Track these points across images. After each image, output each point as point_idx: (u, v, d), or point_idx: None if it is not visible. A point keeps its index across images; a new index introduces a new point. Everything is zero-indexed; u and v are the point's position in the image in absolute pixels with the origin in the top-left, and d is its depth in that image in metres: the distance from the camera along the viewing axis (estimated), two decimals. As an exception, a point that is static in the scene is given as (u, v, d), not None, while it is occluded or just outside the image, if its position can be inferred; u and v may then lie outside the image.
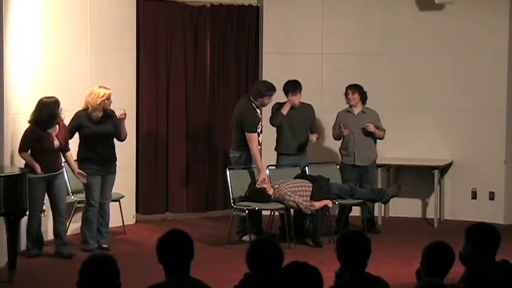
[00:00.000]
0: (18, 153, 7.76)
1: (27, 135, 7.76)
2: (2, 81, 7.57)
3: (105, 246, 8.26)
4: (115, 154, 8.30)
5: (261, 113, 8.93)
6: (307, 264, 3.81)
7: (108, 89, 8.14)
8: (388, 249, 8.28)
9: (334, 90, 9.71)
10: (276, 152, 9.22)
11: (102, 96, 8.07)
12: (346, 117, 9.33)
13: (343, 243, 4.32)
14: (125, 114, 8.19)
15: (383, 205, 9.74)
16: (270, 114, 9.09)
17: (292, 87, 8.99)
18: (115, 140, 8.32)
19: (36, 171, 7.60)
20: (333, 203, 8.76)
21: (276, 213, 8.81)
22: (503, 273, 4.42)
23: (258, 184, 8.69)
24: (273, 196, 8.61)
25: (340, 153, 9.44)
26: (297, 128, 9.05)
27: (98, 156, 8.14)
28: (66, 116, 8.06)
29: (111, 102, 8.15)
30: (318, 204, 8.57)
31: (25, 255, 7.82)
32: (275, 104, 9.03)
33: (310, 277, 3.76)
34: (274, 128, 9.16)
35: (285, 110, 8.97)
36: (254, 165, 8.81)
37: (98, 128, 8.12)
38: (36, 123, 7.75)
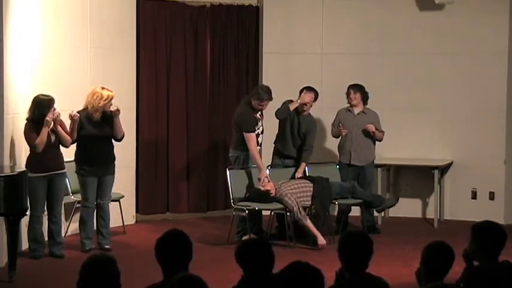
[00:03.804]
0: (32, 147, 7.71)
1: (27, 131, 7.76)
2: (2, 81, 7.56)
3: (107, 247, 8.23)
4: (113, 155, 8.25)
5: (261, 114, 8.92)
6: (309, 264, 3.81)
7: (111, 91, 8.09)
8: (388, 249, 8.26)
9: (334, 90, 9.70)
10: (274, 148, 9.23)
11: (105, 99, 8.02)
12: (346, 116, 9.33)
13: (345, 243, 4.31)
14: (119, 110, 8.08)
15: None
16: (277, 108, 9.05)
17: (309, 87, 9.00)
18: (113, 141, 8.30)
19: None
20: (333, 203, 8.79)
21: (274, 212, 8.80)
22: (504, 274, 4.41)
23: (262, 185, 8.66)
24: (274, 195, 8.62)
25: (338, 151, 9.45)
26: (295, 135, 9.05)
27: (94, 158, 8.10)
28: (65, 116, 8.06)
29: (111, 104, 8.09)
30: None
31: (28, 256, 7.81)
32: (287, 100, 9.02)
33: (312, 278, 3.76)
34: (275, 130, 9.15)
35: (292, 106, 8.95)
36: (253, 165, 8.80)
37: (95, 129, 8.08)
38: (32, 121, 7.76)
